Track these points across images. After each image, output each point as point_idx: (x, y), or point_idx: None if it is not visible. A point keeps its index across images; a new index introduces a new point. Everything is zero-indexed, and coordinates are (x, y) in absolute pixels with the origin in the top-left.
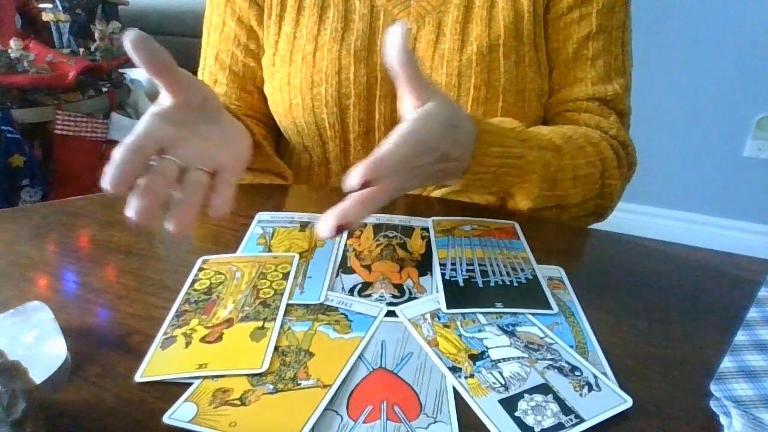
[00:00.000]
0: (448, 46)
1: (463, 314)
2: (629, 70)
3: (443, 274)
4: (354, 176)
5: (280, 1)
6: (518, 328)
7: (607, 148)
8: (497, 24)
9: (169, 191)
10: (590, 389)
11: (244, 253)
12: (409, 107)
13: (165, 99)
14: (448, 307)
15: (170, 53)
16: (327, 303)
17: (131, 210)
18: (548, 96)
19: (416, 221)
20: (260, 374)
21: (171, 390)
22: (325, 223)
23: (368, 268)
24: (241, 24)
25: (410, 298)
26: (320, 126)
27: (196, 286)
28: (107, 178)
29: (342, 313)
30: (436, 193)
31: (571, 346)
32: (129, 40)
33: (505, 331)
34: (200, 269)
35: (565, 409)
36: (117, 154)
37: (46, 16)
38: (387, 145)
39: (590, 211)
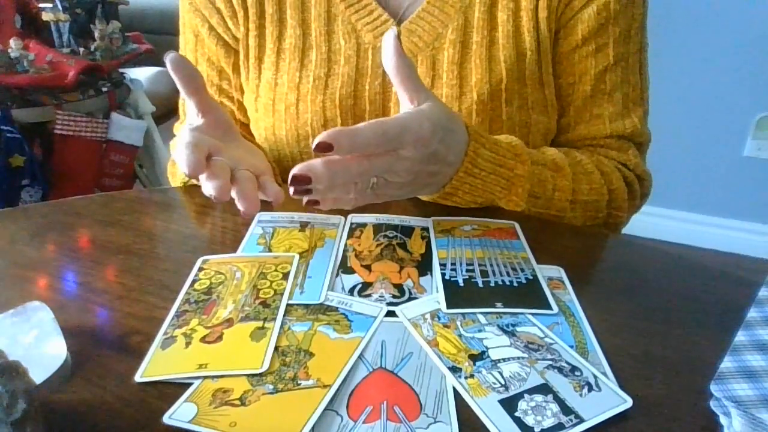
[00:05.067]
0: (445, 93)
1: (463, 314)
2: (647, 93)
3: (443, 274)
4: (317, 138)
5: (258, 44)
6: (518, 328)
7: (619, 180)
8: (498, 66)
9: (229, 176)
10: (590, 389)
11: (244, 253)
12: (405, 108)
13: (196, 119)
14: (448, 307)
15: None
16: (327, 303)
17: (210, 190)
18: (559, 132)
19: (416, 221)
20: (260, 374)
21: (171, 390)
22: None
23: (368, 268)
24: (212, 65)
25: (410, 298)
26: None
27: (196, 286)
28: (186, 165)
29: (342, 313)
30: (426, 198)
31: (571, 346)
32: (169, 60)
33: (505, 331)
34: (200, 269)
35: (565, 409)
36: (183, 148)
37: (46, 16)
38: (365, 125)
39: None
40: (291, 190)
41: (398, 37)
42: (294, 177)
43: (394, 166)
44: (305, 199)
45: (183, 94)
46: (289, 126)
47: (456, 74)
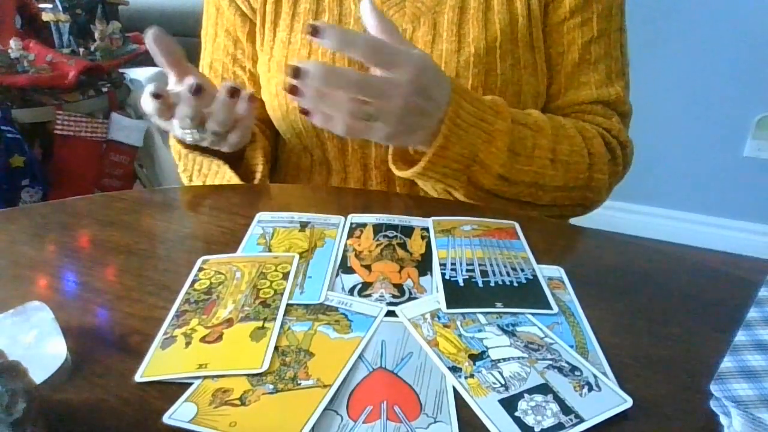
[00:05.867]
0: (445, 48)
1: (463, 314)
2: (628, 70)
3: (443, 274)
4: (316, 22)
5: (274, 9)
6: (518, 328)
7: (600, 145)
8: (493, 27)
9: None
10: (590, 389)
11: (244, 253)
12: None
13: (176, 88)
14: (448, 307)
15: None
16: (327, 303)
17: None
18: (549, 99)
19: (416, 221)
20: (260, 374)
21: (171, 390)
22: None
23: (368, 268)
24: (228, 35)
25: (410, 298)
26: (318, 127)
27: (196, 286)
28: (153, 86)
29: (342, 313)
30: (412, 174)
31: (571, 346)
32: (150, 35)
33: (505, 331)
34: (200, 269)
35: (565, 409)
36: (151, 84)
37: (46, 16)
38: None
39: (576, 202)
40: (290, 96)
41: (371, 2)
42: (290, 66)
43: (389, 89)
44: (296, 99)
45: (164, 66)
46: None
47: (455, 32)
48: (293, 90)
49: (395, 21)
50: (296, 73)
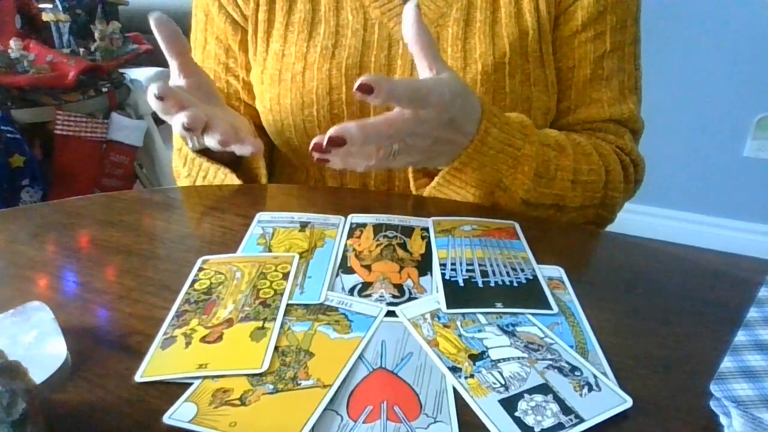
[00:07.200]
0: (450, 65)
1: (463, 314)
2: (640, 82)
3: (443, 274)
4: (360, 79)
5: (267, 18)
6: (518, 328)
7: (616, 163)
8: (501, 41)
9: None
10: (590, 389)
11: (244, 253)
12: (423, 75)
13: (178, 80)
14: (448, 307)
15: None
16: (327, 303)
17: (182, 118)
18: (559, 115)
19: (416, 221)
20: (260, 374)
21: (171, 390)
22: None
23: (368, 268)
24: (219, 43)
25: (410, 298)
26: None
27: (196, 286)
28: (156, 87)
29: (342, 313)
30: (428, 192)
31: (571, 346)
32: (153, 19)
33: (505, 331)
34: (200, 269)
35: (565, 409)
36: (154, 84)
37: (46, 16)
38: (400, 78)
39: (590, 220)
40: (315, 154)
41: (418, 6)
42: (330, 138)
43: (417, 128)
44: (316, 155)
45: (166, 54)
46: (294, 94)
47: (460, 48)
48: (322, 153)
49: (394, 33)
50: (336, 142)
